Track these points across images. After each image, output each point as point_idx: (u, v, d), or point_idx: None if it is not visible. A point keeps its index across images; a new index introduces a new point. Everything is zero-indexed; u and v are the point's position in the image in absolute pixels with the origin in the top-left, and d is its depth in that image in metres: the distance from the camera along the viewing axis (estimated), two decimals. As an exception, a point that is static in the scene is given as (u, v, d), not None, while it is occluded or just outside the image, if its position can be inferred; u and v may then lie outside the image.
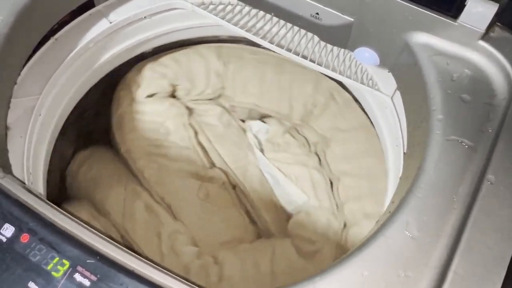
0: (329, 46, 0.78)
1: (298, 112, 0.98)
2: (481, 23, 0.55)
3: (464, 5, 0.54)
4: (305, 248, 0.84)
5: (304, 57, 0.76)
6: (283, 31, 0.79)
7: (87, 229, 0.50)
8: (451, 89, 0.55)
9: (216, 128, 1.01)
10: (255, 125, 1.03)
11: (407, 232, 0.47)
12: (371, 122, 0.90)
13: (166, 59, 0.99)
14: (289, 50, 0.76)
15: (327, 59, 0.77)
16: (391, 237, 0.47)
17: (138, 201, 0.88)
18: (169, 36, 0.92)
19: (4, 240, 0.48)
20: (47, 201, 0.53)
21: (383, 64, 0.66)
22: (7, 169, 0.57)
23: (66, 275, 0.46)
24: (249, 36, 0.77)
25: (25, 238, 0.48)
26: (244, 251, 0.85)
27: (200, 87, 1.00)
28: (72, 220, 0.51)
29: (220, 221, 0.90)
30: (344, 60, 0.77)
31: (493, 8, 0.53)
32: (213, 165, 0.98)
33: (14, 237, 0.48)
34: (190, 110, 1.02)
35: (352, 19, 0.63)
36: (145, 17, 0.83)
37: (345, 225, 0.88)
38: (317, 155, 0.99)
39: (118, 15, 0.79)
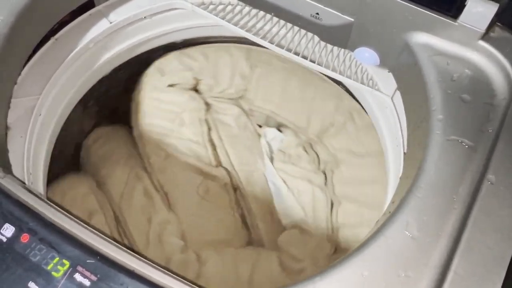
0: (329, 46, 0.78)
1: (315, 128, 0.98)
2: (481, 23, 0.55)
3: (464, 5, 0.54)
4: (290, 265, 0.83)
5: (304, 57, 0.76)
6: (283, 31, 0.79)
7: (87, 229, 0.50)
8: (451, 89, 0.55)
9: (230, 128, 1.00)
10: (270, 133, 1.02)
11: (407, 232, 0.47)
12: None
13: (195, 52, 1.00)
14: (289, 50, 0.76)
15: (327, 59, 0.77)
16: (391, 237, 0.47)
17: (139, 184, 0.90)
18: (169, 36, 0.92)
19: (4, 240, 0.48)
20: (47, 201, 0.53)
21: (383, 64, 0.66)
22: (7, 169, 0.57)
23: (66, 275, 0.46)
24: (249, 36, 0.77)
25: (25, 238, 0.48)
26: (228, 254, 0.85)
27: (223, 85, 1.00)
28: (72, 220, 0.51)
29: (213, 220, 0.90)
30: (344, 60, 0.77)
31: (493, 8, 0.53)
32: (219, 164, 0.98)
33: (14, 237, 0.48)
34: (208, 106, 1.02)
35: (352, 19, 0.63)
36: (145, 17, 0.83)
37: (336, 250, 0.87)
38: (325, 173, 0.97)
39: (118, 15, 0.79)
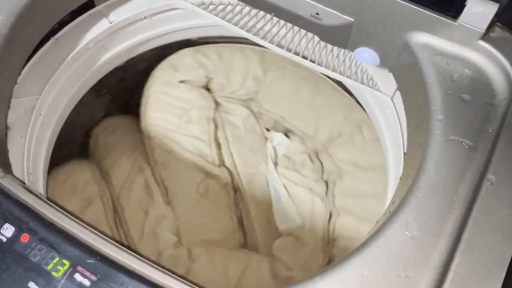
0: (329, 46, 0.78)
1: (322, 137, 0.97)
2: (481, 23, 0.55)
3: (464, 5, 0.54)
4: (280, 272, 0.83)
5: (304, 57, 0.76)
6: (283, 31, 0.79)
7: (87, 229, 0.50)
8: (451, 89, 0.55)
9: (238, 129, 1.00)
10: (277, 137, 1.02)
11: (407, 232, 0.47)
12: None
13: (210, 51, 1.00)
14: (289, 50, 0.76)
15: (327, 59, 0.77)
16: (391, 237, 0.47)
17: (140, 177, 0.92)
18: (169, 36, 0.92)
19: (4, 240, 0.48)
20: (47, 201, 0.53)
21: (383, 64, 0.66)
22: (7, 169, 0.57)
23: (66, 275, 0.46)
24: (249, 36, 0.77)
25: (25, 238, 0.48)
26: (219, 255, 0.85)
27: (235, 86, 1.00)
28: (72, 220, 0.51)
29: (209, 220, 0.90)
30: (344, 60, 0.77)
31: (493, 8, 0.53)
32: (222, 164, 0.98)
33: (14, 237, 0.48)
34: (218, 105, 1.02)
35: (352, 19, 0.63)
36: (145, 17, 0.83)
37: (329, 261, 0.86)
38: (327, 183, 0.96)
39: (118, 15, 0.79)
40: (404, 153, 0.67)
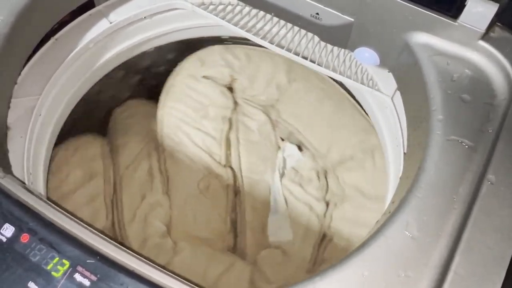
0: (329, 47, 0.78)
1: (333, 157, 0.95)
2: (481, 23, 0.55)
3: (464, 5, 0.54)
4: (259, 283, 0.82)
5: (305, 58, 0.76)
6: (283, 31, 0.79)
7: (87, 229, 0.50)
8: (451, 89, 0.55)
9: (251, 133, 1.00)
10: (289, 149, 1.00)
11: (407, 232, 0.47)
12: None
13: (240, 51, 1.00)
14: (289, 50, 0.76)
15: (327, 59, 0.77)
16: (391, 237, 0.47)
17: (146, 161, 0.93)
18: (169, 36, 0.92)
19: (4, 240, 0.48)
20: (47, 201, 0.53)
21: (383, 64, 0.66)
22: (7, 169, 0.57)
23: (66, 275, 0.46)
24: (249, 36, 0.77)
25: (25, 238, 0.48)
26: (203, 253, 0.85)
27: (257, 90, 1.00)
28: (72, 220, 0.51)
29: (203, 217, 0.91)
30: (344, 61, 0.77)
31: (493, 8, 0.53)
32: (229, 164, 0.98)
33: (14, 237, 0.48)
34: (236, 106, 1.02)
35: (352, 19, 0.63)
36: (145, 17, 0.83)
37: None
38: (328, 204, 0.95)
39: (118, 15, 0.79)
40: (404, 153, 0.67)
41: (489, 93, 0.56)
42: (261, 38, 0.76)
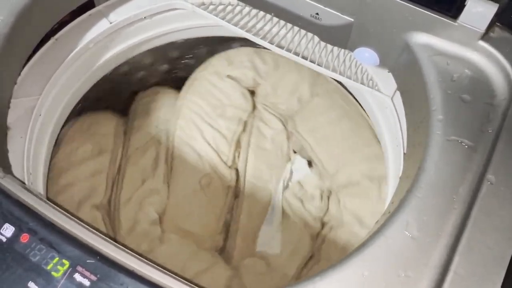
0: (329, 47, 0.78)
1: (340, 179, 0.92)
2: (481, 23, 0.55)
3: (464, 5, 0.54)
4: None
5: (304, 58, 0.76)
6: (283, 31, 0.79)
7: (87, 229, 0.50)
8: (451, 89, 0.55)
9: (264, 140, 0.99)
10: (299, 162, 0.99)
11: (407, 232, 0.47)
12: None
13: (269, 56, 1.00)
14: (289, 50, 0.76)
15: (327, 59, 0.77)
16: (391, 237, 0.47)
17: (155, 148, 0.95)
18: (169, 36, 0.92)
19: (4, 240, 0.48)
20: (47, 201, 0.53)
21: (383, 64, 0.66)
22: (7, 169, 0.57)
23: (66, 275, 0.46)
24: (249, 37, 0.77)
25: (25, 238, 0.48)
26: (188, 248, 0.85)
27: (278, 99, 1.00)
28: (72, 220, 0.51)
29: (197, 213, 0.91)
30: (344, 61, 0.77)
31: (493, 8, 0.53)
32: (234, 166, 0.98)
33: (14, 237, 0.48)
34: (255, 109, 1.02)
35: (352, 19, 0.63)
36: (145, 17, 0.83)
37: None
38: (323, 226, 0.93)
39: (118, 15, 0.79)
40: (404, 153, 0.67)
41: (489, 93, 0.56)
42: (261, 38, 0.76)
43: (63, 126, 0.84)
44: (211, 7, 0.80)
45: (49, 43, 0.72)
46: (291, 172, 0.98)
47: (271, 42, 0.76)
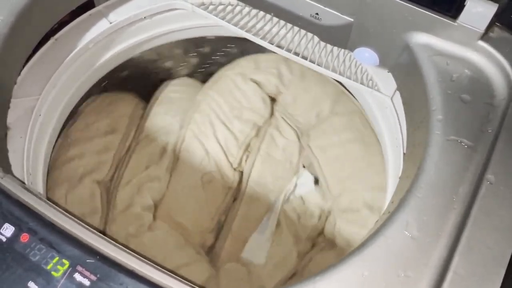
0: (329, 47, 0.78)
1: (341, 203, 0.89)
2: (481, 23, 0.55)
3: (464, 5, 0.54)
4: None
5: (304, 58, 0.76)
6: (283, 31, 0.79)
7: (87, 229, 0.50)
8: (451, 89, 0.55)
9: (275, 149, 0.98)
10: (306, 177, 0.97)
11: (407, 232, 0.47)
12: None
13: (297, 66, 0.99)
14: (289, 50, 0.76)
15: (327, 59, 0.77)
16: (391, 237, 0.47)
17: (165, 137, 0.96)
18: (169, 36, 0.92)
19: (4, 240, 0.48)
20: (47, 201, 0.53)
21: (383, 64, 0.66)
22: (7, 169, 0.57)
23: (66, 275, 0.46)
24: (249, 37, 0.77)
25: (25, 237, 0.48)
26: (175, 240, 0.85)
27: (297, 111, 0.99)
28: (72, 220, 0.51)
29: (193, 207, 0.91)
30: (344, 61, 0.77)
31: (493, 8, 0.54)
32: (239, 168, 0.97)
33: (14, 237, 0.48)
34: (272, 116, 1.01)
35: (352, 19, 0.63)
36: (145, 17, 0.83)
37: None
38: (313, 246, 0.90)
39: (118, 16, 0.79)
40: (404, 153, 0.67)
41: (488, 93, 0.56)
42: (261, 38, 0.77)
43: (84, 100, 0.91)
44: (211, 7, 0.80)
45: (49, 43, 0.72)
46: (296, 186, 0.96)
47: (271, 42, 0.76)
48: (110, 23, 0.78)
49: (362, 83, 0.76)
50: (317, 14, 0.65)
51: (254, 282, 0.84)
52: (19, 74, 0.66)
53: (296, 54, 0.76)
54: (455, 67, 0.57)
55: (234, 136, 0.96)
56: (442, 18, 0.56)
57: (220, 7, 0.80)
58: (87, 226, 0.51)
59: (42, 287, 0.46)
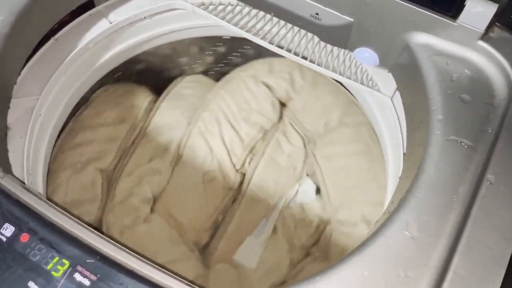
0: (329, 47, 0.78)
1: (340, 216, 0.88)
2: (481, 23, 0.55)
3: (464, 5, 0.54)
4: None
5: (304, 58, 0.76)
6: (283, 31, 0.79)
7: (87, 229, 0.50)
8: (451, 89, 0.55)
9: (280, 154, 0.97)
10: (308, 186, 0.96)
11: (407, 232, 0.47)
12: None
13: (310, 74, 0.98)
14: (289, 50, 0.76)
15: (327, 59, 0.77)
16: (391, 237, 0.47)
17: (171, 132, 0.96)
18: (169, 36, 0.92)
19: (4, 240, 0.48)
20: (47, 201, 0.53)
21: (383, 64, 0.66)
22: (7, 169, 0.57)
23: (66, 275, 0.46)
24: (249, 37, 0.77)
25: (25, 237, 0.48)
26: (167, 235, 0.85)
27: (306, 118, 0.98)
28: (72, 220, 0.51)
29: (191, 204, 0.91)
30: (344, 61, 0.77)
31: (493, 8, 0.54)
32: (242, 170, 0.97)
33: (14, 237, 0.48)
34: (280, 121, 1.01)
35: (352, 19, 0.63)
36: (145, 17, 0.83)
37: None
38: (308, 254, 0.89)
39: (118, 16, 0.79)
40: (404, 153, 0.67)
41: (488, 93, 0.56)
42: (261, 38, 0.77)
43: (97, 89, 0.94)
44: (211, 7, 0.80)
45: (49, 43, 0.72)
46: (297, 193, 0.95)
47: (271, 42, 0.76)
48: (110, 23, 0.78)
49: (362, 83, 0.76)
50: (317, 14, 0.65)
51: (243, 286, 0.84)
52: (19, 74, 0.66)
53: (296, 54, 0.76)
54: (455, 67, 0.57)
55: (239, 138, 0.96)
56: (442, 18, 0.56)
57: (220, 7, 0.80)
58: (87, 226, 0.51)
59: (42, 287, 0.46)
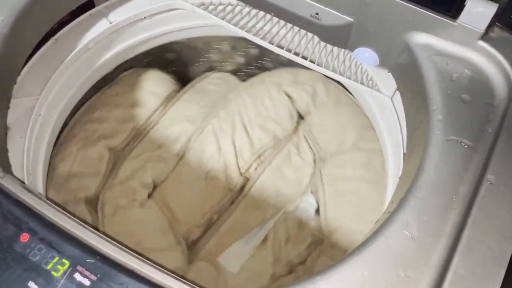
0: (329, 47, 0.78)
1: (332, 241, 0.86)
2: (481, 23, 0.55)
3: (464, 5, 0.54)
4: None
5: (304, 58, 0.76)
6: (283, 31, 0.79)
7: (87, 229, 0.50)
8: (451, 89, 0.55)
9: (288, 166, 0.96)
10: (308, 202, 0.94)
11: (407, 232, 0.47)
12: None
13: (334, 90, 0.98)
14: (289, 50, 0.76)
15: (327, 59, 0.77)
16: (391, 237, 0.47)
17: (184, 125, 0.97)
18: (169, 36, 0.92)
19: (4, 240, 0.48)
20: (47, 201, 0.53)
21: (383, 64, 0.66)
22: (7, 169, 0.57)
23: (66, 275, 0.46)
24: (249, 37, 0.77)
25: (25, 237, 0.48)
26: (158, 223, 0.85)
27: (320, 136, 0.97)
28: (72, 219, 0.51)
29: (188, 198, 0.91)
30: (344, 61, 0.77)
31: (493, 8, 0.54)
32: (246, 174, 0.96)
33: (14, 237, 0.48)
34: (295, 133, 1.00)
35: (352, 19, 0.63)
36: (145, 17, 0.83)
37: None
38: (291, 271, 0.86)
39: (118, 16, 0.79)
40: (404, 153, 0.67)
41: (488, 93, 0.56)
42: (261, 38, 0.77)
43: (125, 70, 0.96)
44: (211, 7, 0.80)
45: (49, 43, 0.72)
46: (297, 208, 0.93)
47: (271, 42, 0.76)
48: (110, 23, 0.78)
49: (362, 83, 0.76)
50: (317, 14, 0.65)
51: (219, 287, 0.82)
52: (19, 74, 0.66)
53: (296, 54, 0.76)
54: (455, 67, 0.57)
55: (250, 142, 0.96)
56: (442, 18, 0.56)
57: (220, 7, 0.80)
58: (87, 226, 0.51)
59: (42, 287, 0.46)
